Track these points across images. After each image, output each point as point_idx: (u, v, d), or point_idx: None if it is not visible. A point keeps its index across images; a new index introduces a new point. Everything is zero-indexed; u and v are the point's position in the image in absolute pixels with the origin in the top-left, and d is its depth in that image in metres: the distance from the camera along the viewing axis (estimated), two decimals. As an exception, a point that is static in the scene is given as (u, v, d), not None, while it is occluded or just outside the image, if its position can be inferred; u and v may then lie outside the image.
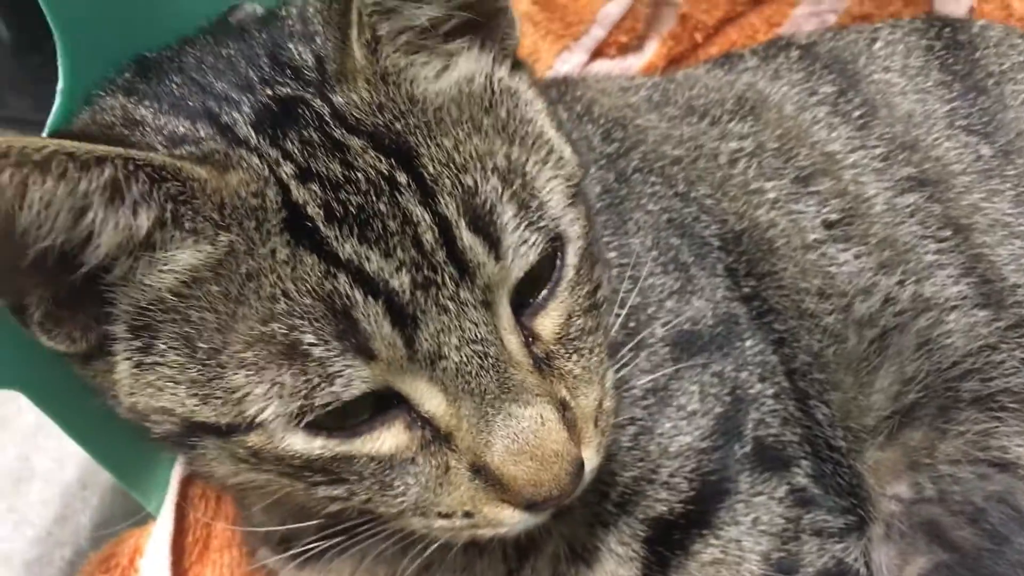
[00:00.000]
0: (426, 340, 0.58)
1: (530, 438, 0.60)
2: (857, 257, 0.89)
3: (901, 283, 0.88)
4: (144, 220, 0.58)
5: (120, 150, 0.55)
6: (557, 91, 1.02)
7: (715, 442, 0.78)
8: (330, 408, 0.58)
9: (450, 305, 0.58)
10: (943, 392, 0.85)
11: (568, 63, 1.32)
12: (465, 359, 0.59)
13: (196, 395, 0.60)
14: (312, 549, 0.74)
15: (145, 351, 0.62)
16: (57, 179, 0.54)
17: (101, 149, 0.55)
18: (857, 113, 0.97)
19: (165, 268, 0.60)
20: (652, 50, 1.33)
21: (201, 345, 0.59)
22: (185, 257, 0.59)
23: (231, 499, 0.92)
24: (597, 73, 1.25)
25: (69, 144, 0.54)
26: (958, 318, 0.87)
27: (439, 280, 0.58)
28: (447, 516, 0.64)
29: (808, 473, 0.80)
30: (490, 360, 0.60)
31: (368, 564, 0.78)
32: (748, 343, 0.83)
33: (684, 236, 0.89)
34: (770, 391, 0.82)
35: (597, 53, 1.33)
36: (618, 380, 0.71)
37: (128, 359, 0.63)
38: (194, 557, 0.93)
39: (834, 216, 0.91)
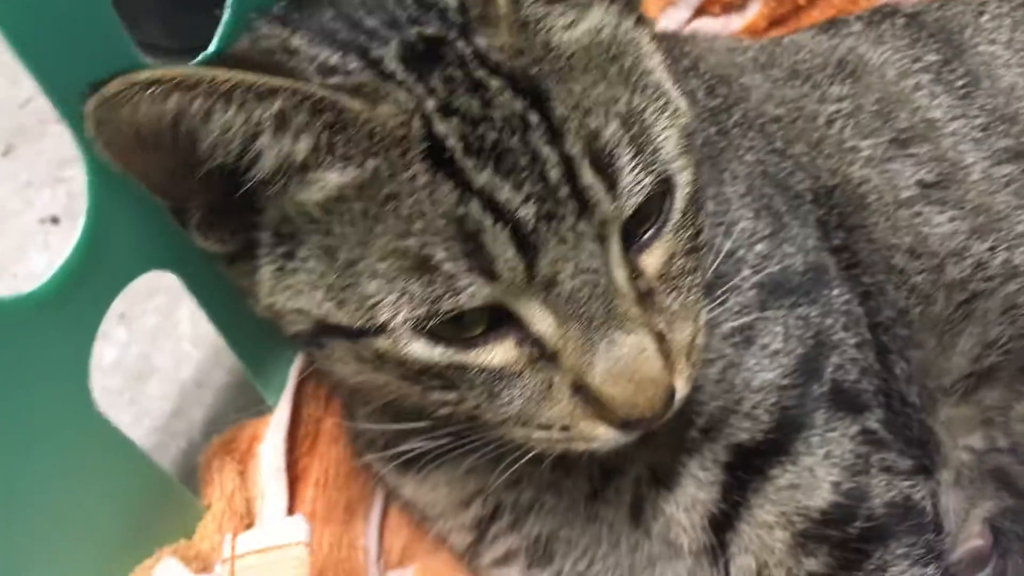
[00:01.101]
0: (544, 266, 0.62)
1: (629, 363, 0.63)
2: (951, 220, 0.89)
3: (992, 249, 0.88)
4: (303, 146, 0.62)
5: (289, 82, 0.59)
6: (666, 45, 1.03)
7: (795, 380, 0.81)
8: (451, 314, 0.62)
9: (569, 236, 0.62)
10: None
11: (672, 19, 1.33)
12: (577, 286, 0.63)
13: (332, 300, 0.65)
14: (410, 452, 0.80)
15: (288, 257, 0.67)
16: (237, 108, 0.59)
17: (276, 81, 0.59)
18: (960, 83, 0.97)
19: (315, 186, 0.63)
20: (755, 11, 1.32)
21: (340, 255, 0.64)
22: (334, 178, 0.63)
23: (340, 403, 0.98)
24: (705, 33, 1.25)
25: (249, 77, 0.59)
26: None
27: (561, 213, 0.61)
28: (546, 428, 0.67)
29: (880, 419, 0.83)
30: (599, 289, 0.63)
31: (460, 475, 0.84)
32: (835, 292, 0.85)
33: (778, 187, 0.91)
34: (852, 340, 0.84)
35: (700, 11, 1.33)
36: (709, 319, 0.74)
37: (271, 263, 0.68)
38: (304, 449, 0.99)
39: (930, 178, 0.91)
